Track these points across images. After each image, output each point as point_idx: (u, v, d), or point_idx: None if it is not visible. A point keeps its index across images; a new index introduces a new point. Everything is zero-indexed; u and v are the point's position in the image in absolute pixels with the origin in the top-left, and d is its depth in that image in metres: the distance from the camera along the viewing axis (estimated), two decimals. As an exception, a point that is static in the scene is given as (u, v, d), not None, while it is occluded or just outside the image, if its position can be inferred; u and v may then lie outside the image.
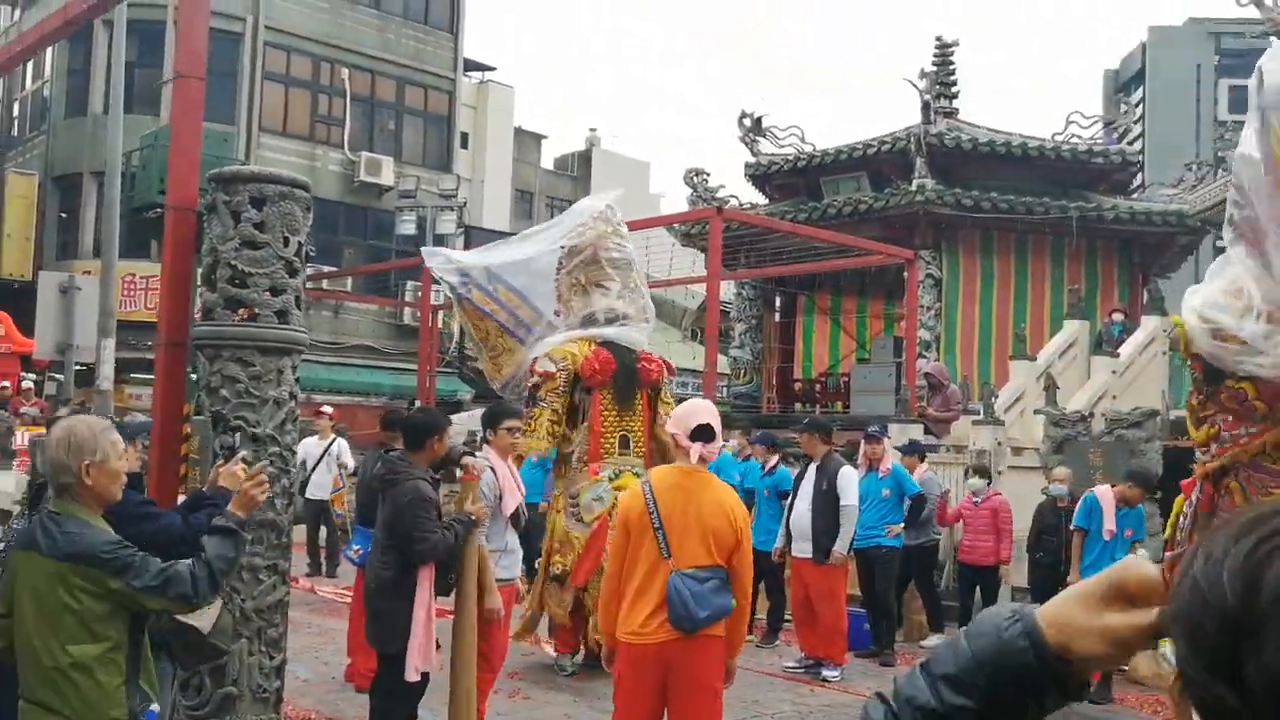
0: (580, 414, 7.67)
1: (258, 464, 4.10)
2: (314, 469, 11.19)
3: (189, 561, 3.14)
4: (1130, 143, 19.34)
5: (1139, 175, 19.55)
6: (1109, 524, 7.45)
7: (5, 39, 25.49)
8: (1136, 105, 47.36)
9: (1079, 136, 17.31)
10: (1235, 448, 3.91)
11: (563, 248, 7.83)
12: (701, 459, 4.24)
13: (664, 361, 8.19)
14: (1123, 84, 59.20)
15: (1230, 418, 3.99)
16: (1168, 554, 4.04)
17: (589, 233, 7.82)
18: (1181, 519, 4.12)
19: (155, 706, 3.26)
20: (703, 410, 4.36)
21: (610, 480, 7.43)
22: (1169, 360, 14.29)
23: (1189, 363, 4.06)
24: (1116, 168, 17.37)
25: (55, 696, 2.96)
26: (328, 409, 13.01)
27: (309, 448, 11.84)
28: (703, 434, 4.20)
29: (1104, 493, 7.61)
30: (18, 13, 26.59)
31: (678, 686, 4.12)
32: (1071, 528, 7.75)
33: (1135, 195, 18.71)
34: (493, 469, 5.38)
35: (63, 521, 3.02)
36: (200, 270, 4.80)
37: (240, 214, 4.64)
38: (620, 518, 4.40)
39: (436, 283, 21.07)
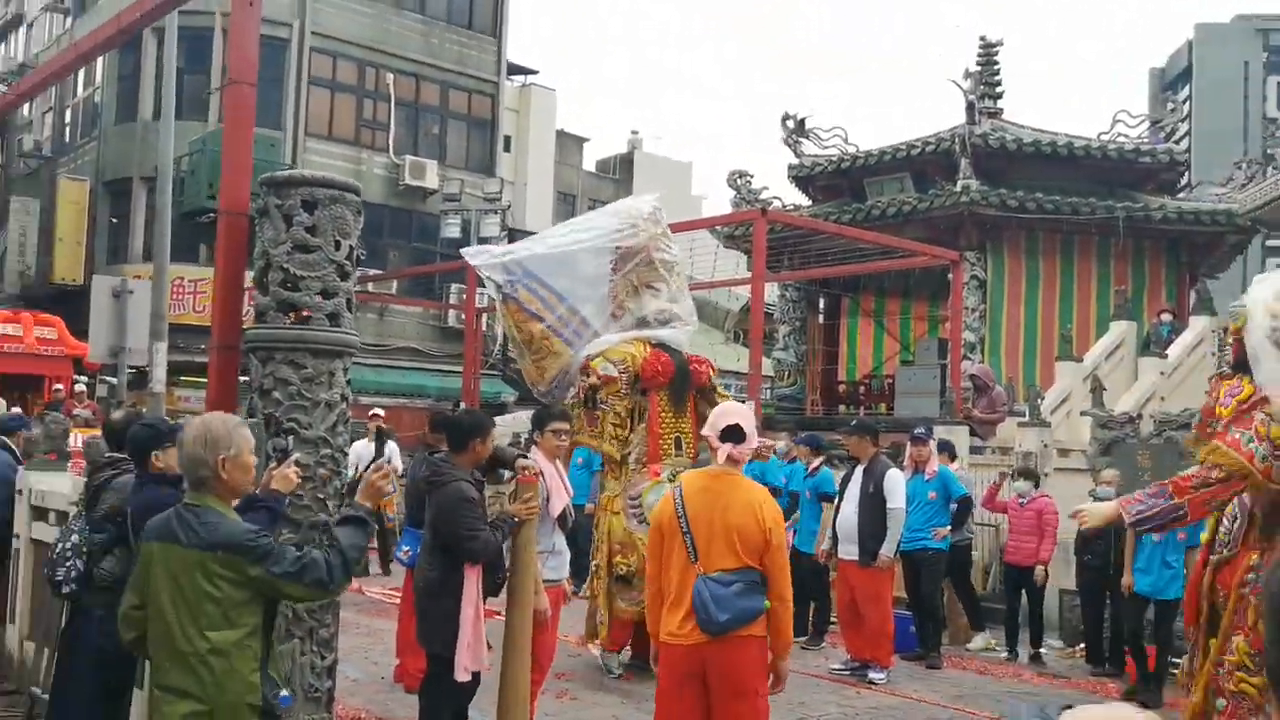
0: (637, 415, 7.63)
1: (299, 462, 4.16)
2: (365, 471, 11.30)
3: (326, 552, 3.24)
4: (1177, 141, 19.02)
5: (1186, 174, 19.22)
6: None
7: (57, 47, 26.03)
8: (1183, 103, 46.66)
9: (1125, 136, 17.07)
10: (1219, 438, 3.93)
11: (617, 249, 7.77)
12: (732, 459, 4.22)
13: (710, 364, 8.16)
14: (1169, 82, 58.31)
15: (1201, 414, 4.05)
16: (1212, 557, 4.19)
17: (642, 234, 7.79)
18: (1227, 522, 4.17)
19: (286, 692, 3.36)
20: (733, 412, 4.38)
21: (670, 481, 7.30)
22: (1218, 360, 14.08)
23: (1229, 340, 4.06)
24: (1164, 167, 17.10)
25: (192, 681, 3.05)
26: (379, 411, 13.17)
27: (360, 450, 12.00)
28: (732, 435, 4.21)
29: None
30: (69, 20, 27.12)
31: (716, 688, 4.14)
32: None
33: (1183, 194, 18.41)
34: (540, 471, 5.39)
35: (201, 513, 3.15)
36: (252, 274, 4.84)
37: (292, 218, 4.69)
38: (654, 522, 4.44)
39: (482, 285, 21.29)
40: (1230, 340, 4.16)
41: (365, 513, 3.47)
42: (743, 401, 12.12)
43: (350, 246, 4.83)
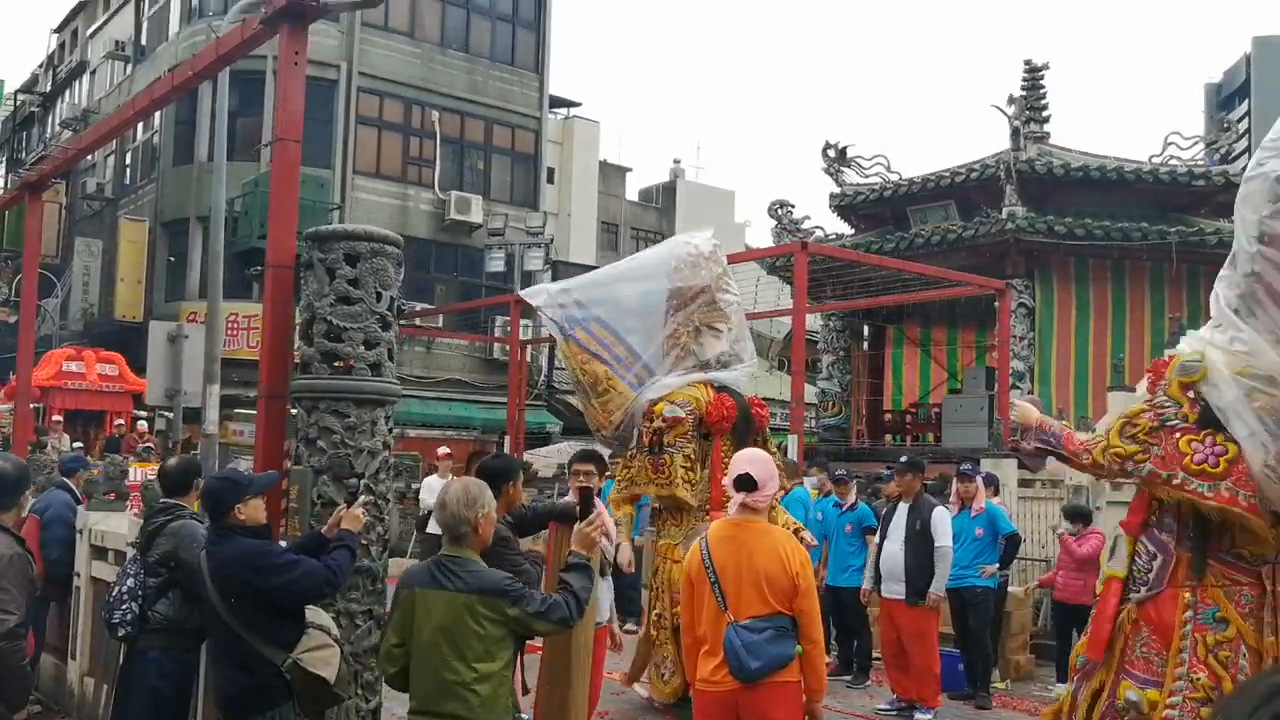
0: (700, 460, 7.37)
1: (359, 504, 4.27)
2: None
3: (563, 594, 3.74)
4: (1232, 160, 18.75)
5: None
6: None
7: (119, 93, 26.83)
8: (1241, 120, 45.85)
9: (1178, 158, 16.86)
10: (1154, 485, 4.22)
11: (672, 289, 7.55)
12: (748, 508, 4.24)
13: (765, 405, 7.99)
14: (1226, 98, 57.35)
15: (1164, 459, 4.21)
16: (1134, 596, 4.37)
17: (703, 273, 7.53)
18: (1140, 558, 4.41)
19: (526, 716, 3.85)
20: (745, 460, 4.39)
21: None
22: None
23: (1186, 394, 4.25)
24: (1219, 189, 16.77)
25: (461, 706, 3.54)
26: (445, 449, 13.42)
27: (432, 485, 12.21)
28: (742, 484, 4.24)
29: None
30: (130, 67, 27.94)
31: None
32: None
33: (1238, 217, 18.10)
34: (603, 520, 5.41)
35: (463, 563, 3.64)
36: (298, 325, 4.98)
37: (335, 270, 4.83)
38: (684, 572, 4.48)
39: (526, 318, 21.55)
40: (1183, 396, 4.26)
41: (586, 560, 3.94)
42: (785, 433, 12.11)
43: (391, 297, 4.95)
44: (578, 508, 4.73)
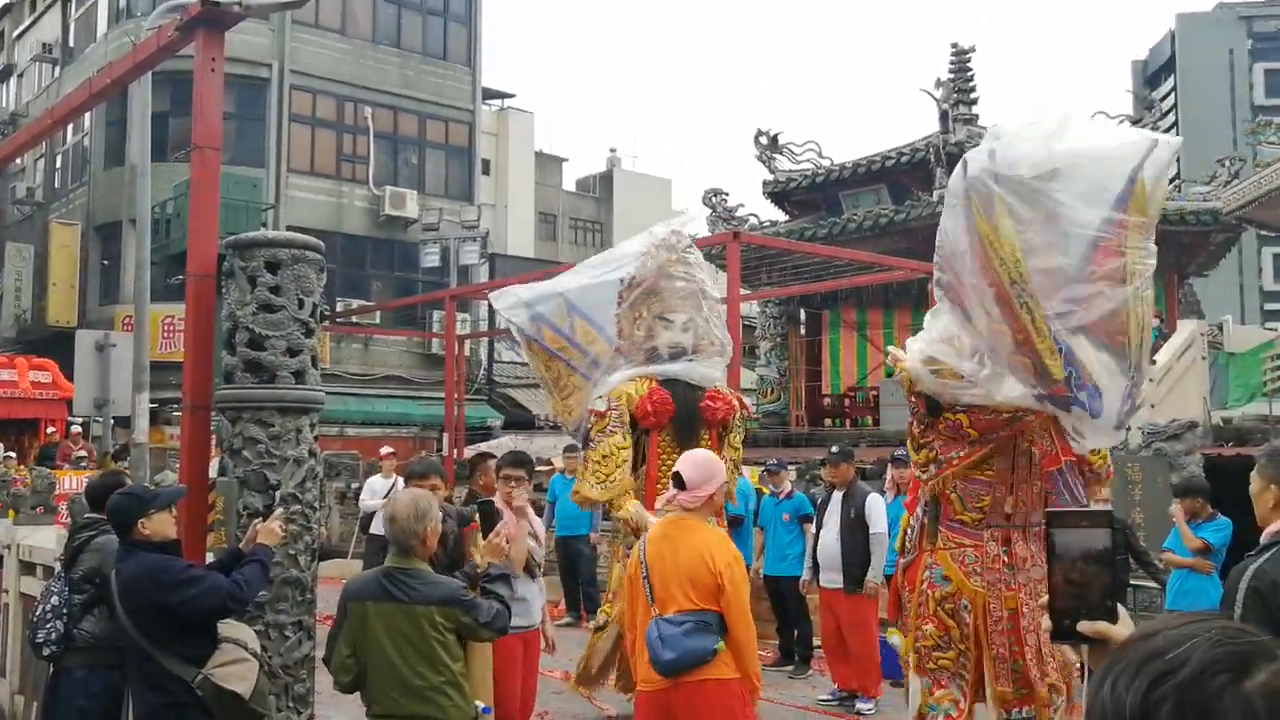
0: (640, 457, 7.11)
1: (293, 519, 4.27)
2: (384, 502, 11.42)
3: (497, 603, 3.95)
4: (1157, 139, 19.08)
5: (1175, 168, 19.32)
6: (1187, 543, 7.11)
7: (47, 96, 26.21)
8: (1166, 96, 46.77)
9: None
10: (951, 468, 4.91)
11: (622, 280, 7.29)
12: (682, 506, 4.24)
13: (738, 399, 7.58)
14: (1152, 74, 58.38)
15: (943, 443, 4.91)
16: (900, 560, 5.25)
17: (650, 262, 7.20)
18: (910, 530, 5.29)
19: (484, 705, 4.09)
20: (684, 459, 4.43)
21: None
22: (1210, 362, 13.99)
23: (912, 399, 5.02)
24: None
25: (433, 708, 3.76)
26: (388, 449, 13.36)
27: (375, 485, 12.16)
28: (675, 482, 4.26)
29: (1177, 511, 7.31)
30: (58, 70, 27.30)
31: None
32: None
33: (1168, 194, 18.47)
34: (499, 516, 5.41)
35: (416, 574, 3.81)
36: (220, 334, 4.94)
37: (256, 279, 4.80)
38: (627, 570, 4.54)
39: (463, 311, 21.39)
40: (911, 396, 5.03)
41: (507, 569, 4.19)
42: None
43: (314, 304, 4.93)
44: (478, 516, 4.80)
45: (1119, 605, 1.48)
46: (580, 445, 7.46)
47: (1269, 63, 51.25)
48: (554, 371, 7.39)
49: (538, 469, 5.99)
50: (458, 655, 3.83)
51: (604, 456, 6.89)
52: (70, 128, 25.66)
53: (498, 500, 5.48)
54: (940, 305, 4.93)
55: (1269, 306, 46.46)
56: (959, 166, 4.79)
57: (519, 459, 5.80)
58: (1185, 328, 14.20)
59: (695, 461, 4.39)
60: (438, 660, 3.75)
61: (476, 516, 5.13)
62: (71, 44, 27.06)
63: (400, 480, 11.92)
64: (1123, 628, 1.45)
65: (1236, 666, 0.95)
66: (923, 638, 5.02)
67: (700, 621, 4.11)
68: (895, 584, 5.78)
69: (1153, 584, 8.10)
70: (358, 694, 3.97)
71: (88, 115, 24.18)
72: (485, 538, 4.45)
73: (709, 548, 4.19)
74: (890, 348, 5.60)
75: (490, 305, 8.13)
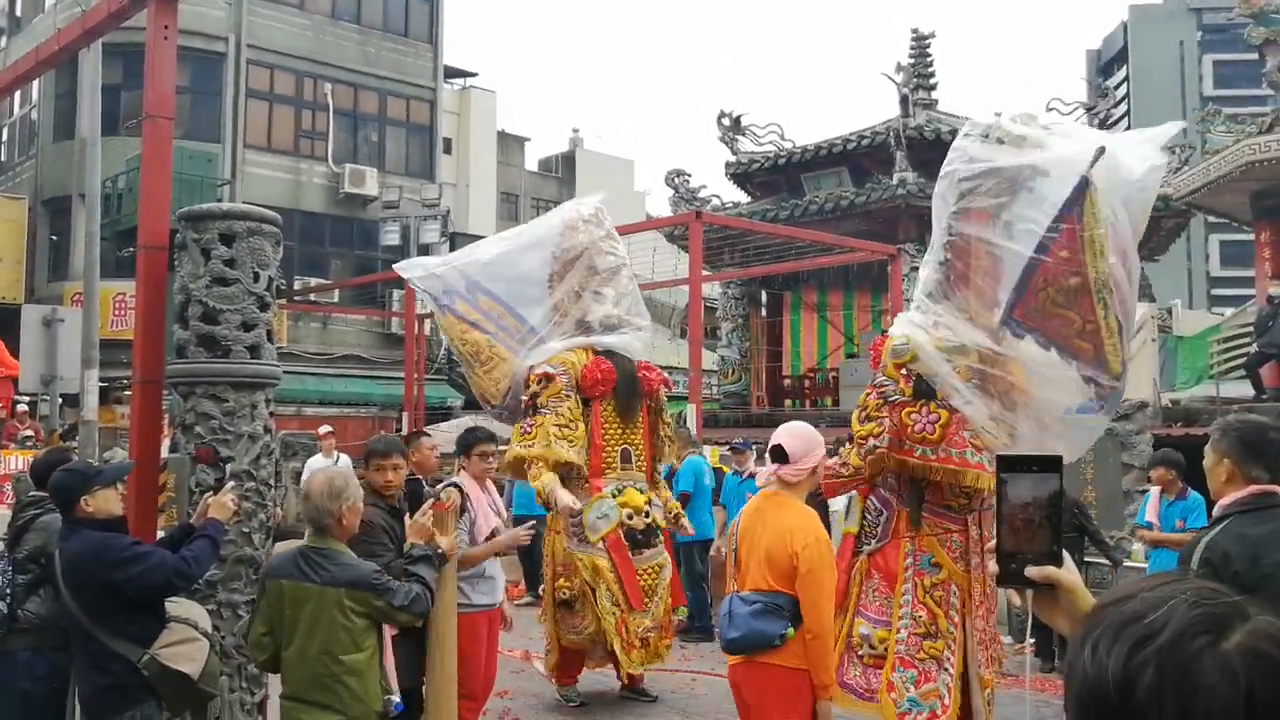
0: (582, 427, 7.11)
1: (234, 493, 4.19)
2: None
3: (417, 585, 3.80)
4: (1111, 126, 19.38)
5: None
6: (1150, 517, 7.18)
7: (-11, 65, 25.58)
8: (1119, 86, 47.39)
9: (1059, 123, 17.35)
10: (891, 455, 4.83)
11: (554, 256, 7.35)
12: (782, 480, 3.99)
13: (661, 372, 7.75)
14: (1105, 64, 59.17)
15: (894, 430, 4.81)
16: (865, 548, 5.05)
17: (581, 237, 7.34)
18: (868, 516, 5.13)
19: (396, 697, 3.90)
20: (782, 430, 4.10)
21: (614, 496, 6.96)
22: (1160, 345, 14.27)
23: (900, 371, 4.91)
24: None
25: (332, 697, 3.61)
26: (327, 427, 13.19)
27: (315, 466, 12.00)
28: (775, 455, 4.02)
29: (1156, 480, 7.32)
30: (4, 40, 26.62)
31: (745, 715, 4.07)
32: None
33: (1118, 179, 18.70)
34: (466, 495, 5.38)
35: (329, 555, 3.66)
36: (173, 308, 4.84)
37: (210, 251, 4.72)
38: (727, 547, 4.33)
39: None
40: (898, 374, 4.92)
41: (433, 551, 4.01)
42: (684, 401, 12.22)
43: (270, 278, 4.85)
44: (405, 499, 4.71)
45: (1064, 551, 1.48)
46: (511, 413, 7.37)
47: (1218, 54, 52.08)
48: (471, 345, 7.34)
49: (498, 448, 5.94)
50: (364, 644, 3.64)
51: (571, 420, 6.93)
52: (17, 99, 25.07)
53: (467, 481, 5.46)
54: (934, 292, 4.86)
55: (1215, 292, 47.41)
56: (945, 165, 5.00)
57: (492, 435, 5.79)
58: (1137, 311, 14.41)
59: (795, 432, 4.06)
60: (339, 646, 3.59)
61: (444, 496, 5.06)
62: (19, 13, 26.41)
63: (344, 459, 11.81)
64: (1068, 573, 1.46)
65: (1214, 628, 0.96)
66: (914, 625, 4.84)
67: (771, 604, 3.88)
68: (840, 571, 5.27)
69: (1104, 560, 8.22)
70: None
71: (35, 86, 23.64)
72: (412, 516, 4.31)
73: (792, 528, 3.90)
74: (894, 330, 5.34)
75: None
